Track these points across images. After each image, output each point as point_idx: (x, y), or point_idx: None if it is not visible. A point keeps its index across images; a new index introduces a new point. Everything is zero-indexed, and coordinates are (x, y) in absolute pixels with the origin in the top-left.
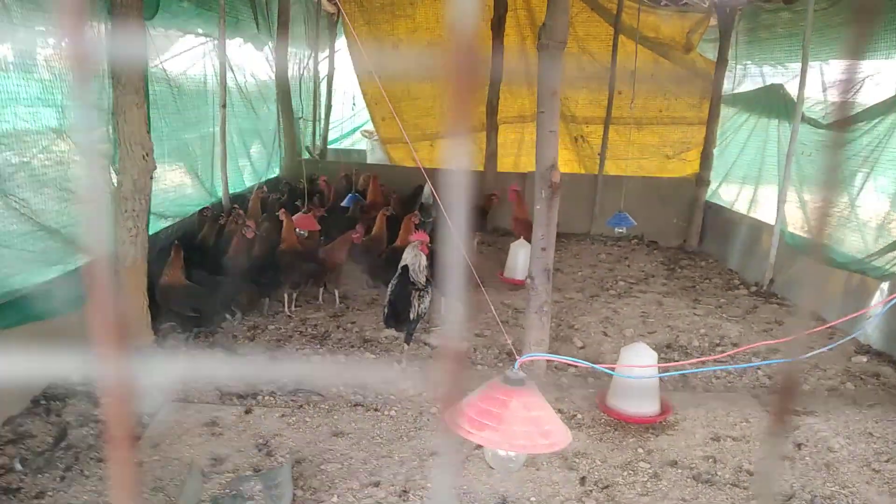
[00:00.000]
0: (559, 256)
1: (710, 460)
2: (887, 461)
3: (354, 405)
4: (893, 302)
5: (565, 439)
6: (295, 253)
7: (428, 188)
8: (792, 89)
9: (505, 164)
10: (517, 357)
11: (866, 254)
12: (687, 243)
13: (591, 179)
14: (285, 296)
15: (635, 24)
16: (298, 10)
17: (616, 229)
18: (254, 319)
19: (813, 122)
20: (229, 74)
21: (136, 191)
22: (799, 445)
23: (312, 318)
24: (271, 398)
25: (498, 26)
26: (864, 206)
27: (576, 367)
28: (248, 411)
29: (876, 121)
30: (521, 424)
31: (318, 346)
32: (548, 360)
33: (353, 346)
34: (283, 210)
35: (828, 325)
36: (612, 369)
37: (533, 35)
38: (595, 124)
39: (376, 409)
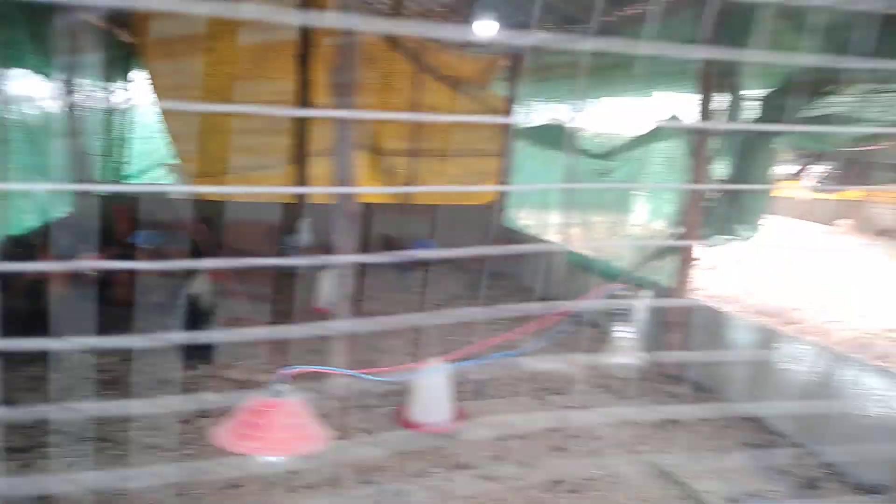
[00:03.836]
0: (369, 283)
1: (497, 459)
2: (645, 444)
3: None
4: (611, 293)
5: (325, 440)
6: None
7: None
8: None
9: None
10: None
11: (634, 266)
12: (488, 266)
13: (400, 209)
14: None
15: (434, 62)
16: (88, 38)
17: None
18: (32, 369)
19: (589, 154)
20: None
21: None
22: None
23: (104, 363)
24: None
25: (303, 61)
26: (631, 223)
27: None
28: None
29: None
30: (283, 432)
31: (111, 393)
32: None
33: (150, 389)
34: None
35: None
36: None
37: None
38: (402, 156)
39: None
